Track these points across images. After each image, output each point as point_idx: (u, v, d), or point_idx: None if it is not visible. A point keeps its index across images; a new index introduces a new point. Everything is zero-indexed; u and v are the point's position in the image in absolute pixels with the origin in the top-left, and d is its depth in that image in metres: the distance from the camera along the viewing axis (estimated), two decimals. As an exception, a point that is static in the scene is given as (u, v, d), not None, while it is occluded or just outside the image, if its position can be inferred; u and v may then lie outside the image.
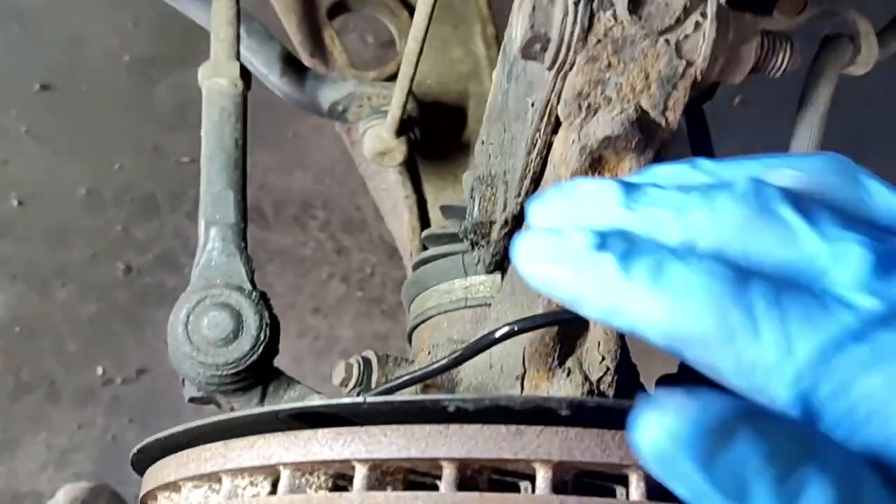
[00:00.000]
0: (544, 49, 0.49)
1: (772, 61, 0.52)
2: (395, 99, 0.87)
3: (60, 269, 2.01)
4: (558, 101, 0.51)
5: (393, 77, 0.95)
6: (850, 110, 1.11)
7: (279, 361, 0.78)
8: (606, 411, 0.42)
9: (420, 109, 1.02)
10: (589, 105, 0.50)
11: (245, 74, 0.84)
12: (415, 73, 0.84)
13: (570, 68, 0.49)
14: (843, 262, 0.31)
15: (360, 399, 0.44)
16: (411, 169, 1.04)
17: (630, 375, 0.63)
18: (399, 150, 0.95)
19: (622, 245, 0.33)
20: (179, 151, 2.15)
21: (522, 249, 0.35)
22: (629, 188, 0.36)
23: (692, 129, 0.68)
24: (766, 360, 0.29)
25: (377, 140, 0.95)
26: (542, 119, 0.53)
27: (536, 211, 0.38)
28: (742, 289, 0.31)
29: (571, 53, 0.49)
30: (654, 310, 0.31)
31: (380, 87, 0.97)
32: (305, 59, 1.12)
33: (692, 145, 0.69)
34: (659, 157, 0.54)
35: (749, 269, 0.32)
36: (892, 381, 0.28)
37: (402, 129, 0.93)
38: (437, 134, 1.06)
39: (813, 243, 0.32)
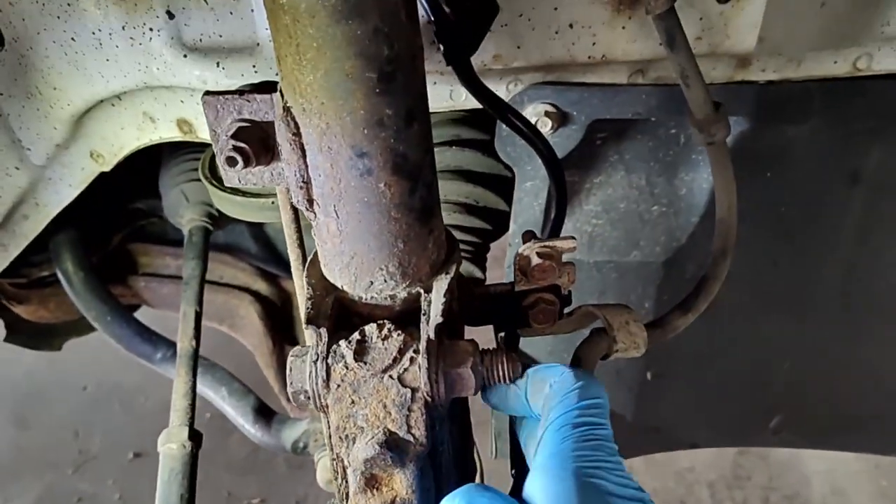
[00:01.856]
0: (307, 398, 0.63)
1: (494, 373, 0.64)
2: (325, 433, 1.01)
3: None
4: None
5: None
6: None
7: None
8: None
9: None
10: (347, 436, 0.62)
11: (195, 436, 1.00)
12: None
13: (327, 409, 0.62)
14: None
15: None
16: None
17: None
18: (345, 475, 1.06)
19: None
20: (250, 494, 2.33)
21: None
22: None
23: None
24: None
25: (325, 469, 1.07)
26: (331, 449, 0.65)
27: None
28: None
29: (322, 399, 0.62)
30: None
31: (326, 421, 1.11)
32: (283, 401, 1.30)
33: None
34: (433, 463, 0.63)
35: None
36: None
37: (344, 456, 1.05)
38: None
39: None
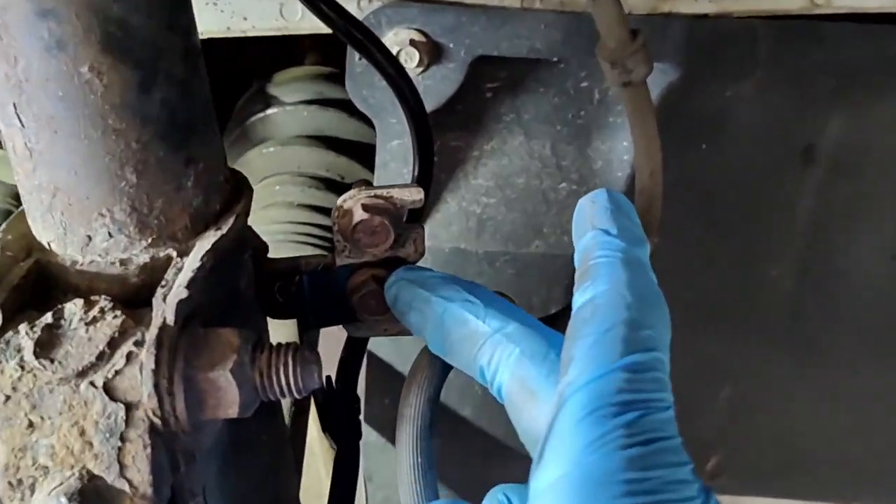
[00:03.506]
0: (-34, 419, 0.38)
1: (275, 381, 0.41)
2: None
3: None
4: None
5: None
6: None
7: None
8: None
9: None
10: (21, 480, 0.38)
11: None
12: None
13: (-9, 437, 0.38)
14: None
15: None
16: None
17: None
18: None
19: None
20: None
21: None
22: None
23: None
24: None
25: None
26: None
27: None
28: None
29: (-18, 419, 0.38)
30: None
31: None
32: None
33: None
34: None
35: None
36: None
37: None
38: None
39: None
